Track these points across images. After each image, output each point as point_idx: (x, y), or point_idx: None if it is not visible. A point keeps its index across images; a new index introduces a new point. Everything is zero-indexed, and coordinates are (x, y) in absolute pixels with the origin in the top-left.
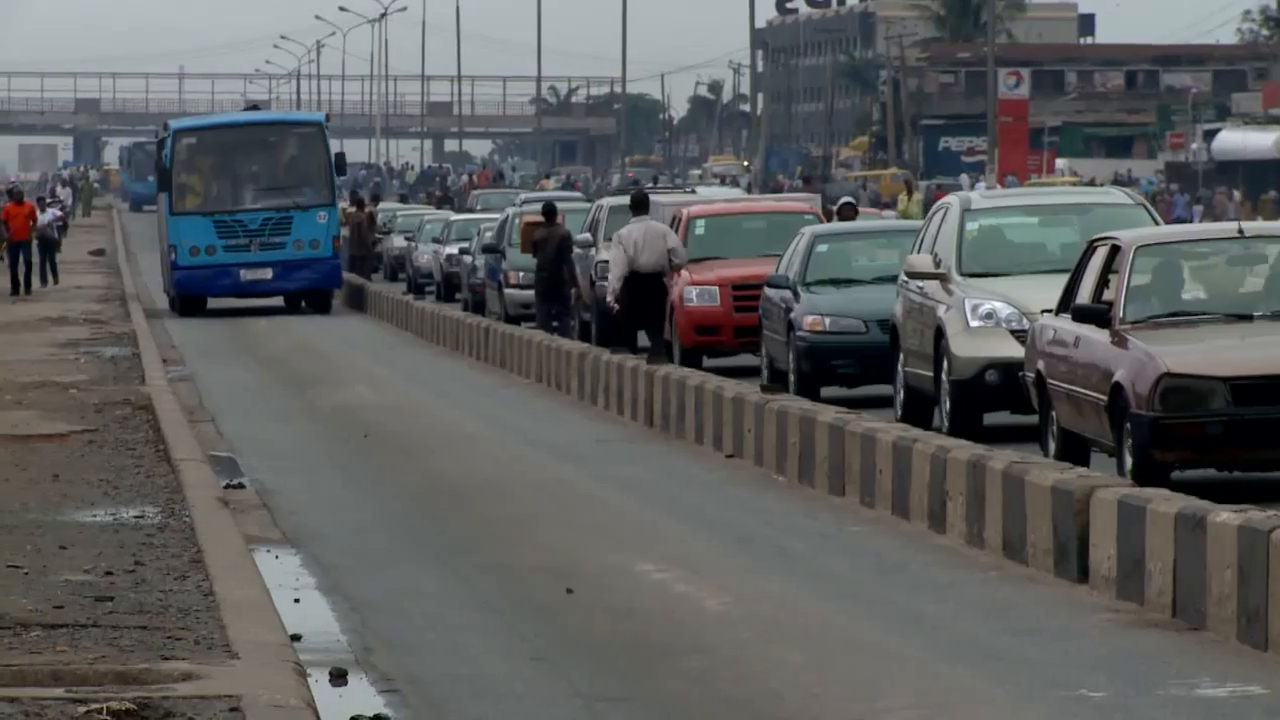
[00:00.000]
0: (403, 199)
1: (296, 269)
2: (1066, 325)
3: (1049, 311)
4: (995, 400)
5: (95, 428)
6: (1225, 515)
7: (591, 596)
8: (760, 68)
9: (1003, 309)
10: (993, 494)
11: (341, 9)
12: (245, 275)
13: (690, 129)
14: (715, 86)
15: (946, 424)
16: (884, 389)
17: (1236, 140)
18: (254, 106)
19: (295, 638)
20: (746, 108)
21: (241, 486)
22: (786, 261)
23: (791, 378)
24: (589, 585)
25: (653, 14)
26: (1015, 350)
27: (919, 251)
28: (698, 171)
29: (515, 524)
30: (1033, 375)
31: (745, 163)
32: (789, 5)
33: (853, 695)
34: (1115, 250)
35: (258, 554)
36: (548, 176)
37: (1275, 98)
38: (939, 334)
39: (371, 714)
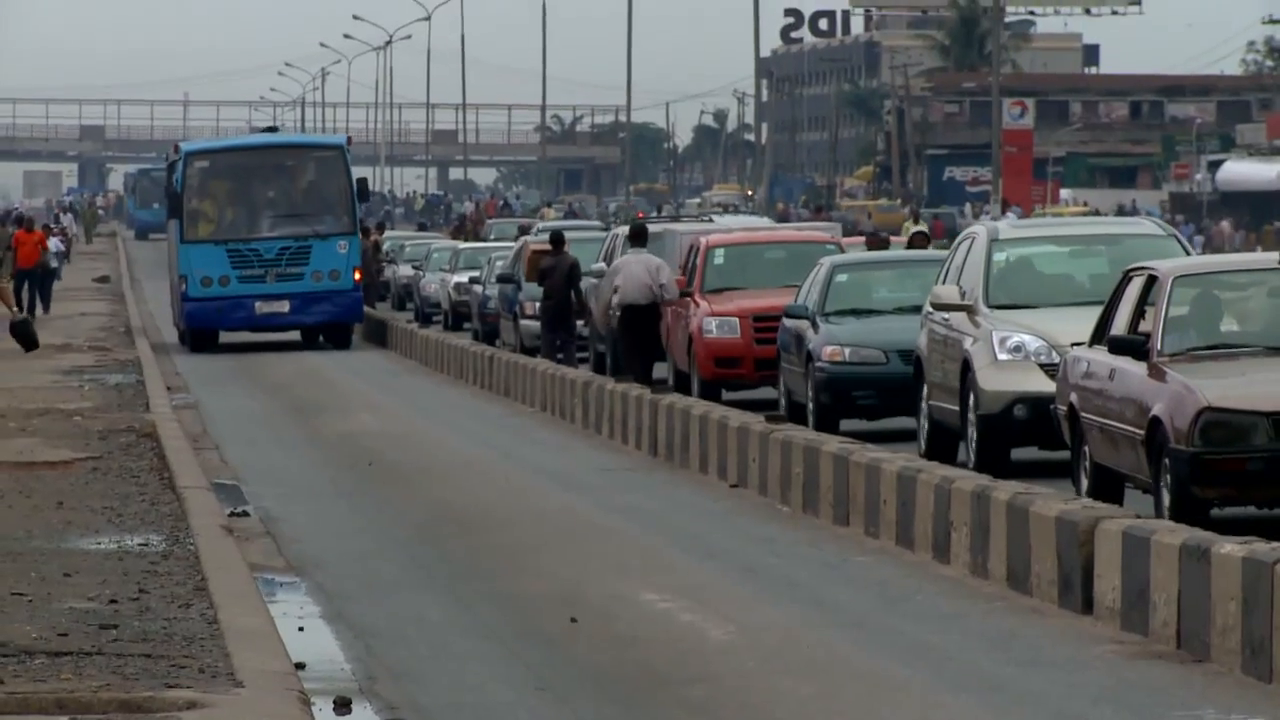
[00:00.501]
0: (421, 227)
1: (315, 301)
2: (1101, 357)
3: (1081, 344)
4: (1023, 435)
5: (99, 455)
6: (1230, 547)
7: (596, 625)
8: (765, 97)
9: (1031, 342)
10: (997, 525)
11: (346, 36)
12: (260, 308)
13: (695, 158)
14: (720, 115)
15: (973, 459)
16: (905, 422)
17: (1241, 171)
18: (271, 129)
19: (300, 666)
20: (751, 137)
21: (246, 514)
22: (805, 291)
23: (810, 409)
24: (593, 614)
25: (657, 43)
26: (1044, 384)
27: (944, 282)
28: (696, 200)
29: (519, 552)
30: (1064, 409)
31: (749, 191)
32: (794, 35)
33: None
34: (1152, 280)
35: (261, 582)
36: (549, 205)
37: (1279, 129)
38: (965, 367)
39: None
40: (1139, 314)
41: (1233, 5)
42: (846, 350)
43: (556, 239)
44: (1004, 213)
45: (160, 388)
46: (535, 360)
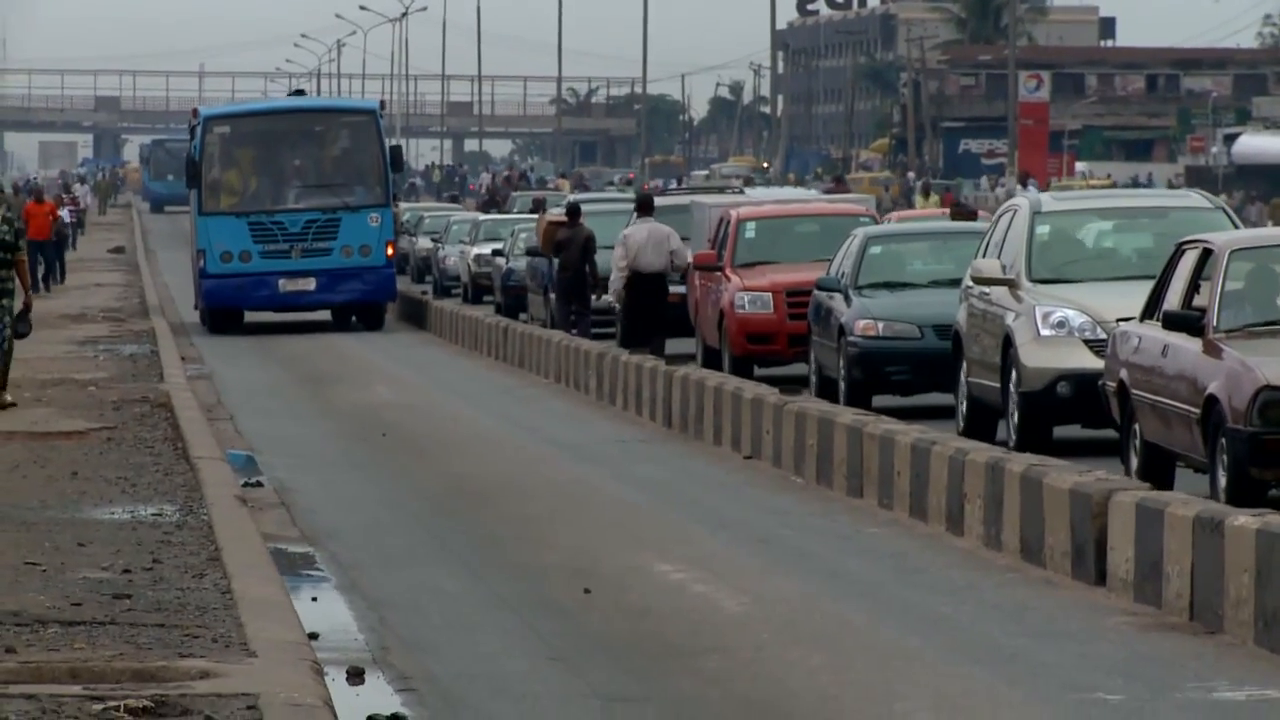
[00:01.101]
0: (454, 199)
1: (344, 279)
2: (1153, 333)
3: (1128, 319)
4: (1066, 413)
5: (114, 425)
6: (1243, 519)
7: (609, 596)
8: (780, 69)
9: (1075, 317)
10: (1010, 496)
11: (362, 8)
12: (285, 286)
13: (710, 130)
14: (735, 88)
15: (1014, 437)
16: (938, 398)
17: (1257, 144)
18: (300, 92)
19: (313, 636)
20: (767, 109)
21: (260, 485)
22: (838, 264)
23: (842, 385)
24: (607, 585)
25: (673, 15)
26: (1088, 361)
27: (984, 255)
28: (704, 172)
29: (533, 523)
30: (1114, 385)
31: (765, 164)
32: (810, 7)
33: (870, 696)
34: (1207, 254)
35: (275, 552)
36: (563, 176)
37: None
38: (1007, 343)
39: (389, 713)
40: (1193, 288)
41: None
42: (880, 324)
43: (573, 210)
44: (1024, 185)
45: (175, 358)
46: (550, 332)
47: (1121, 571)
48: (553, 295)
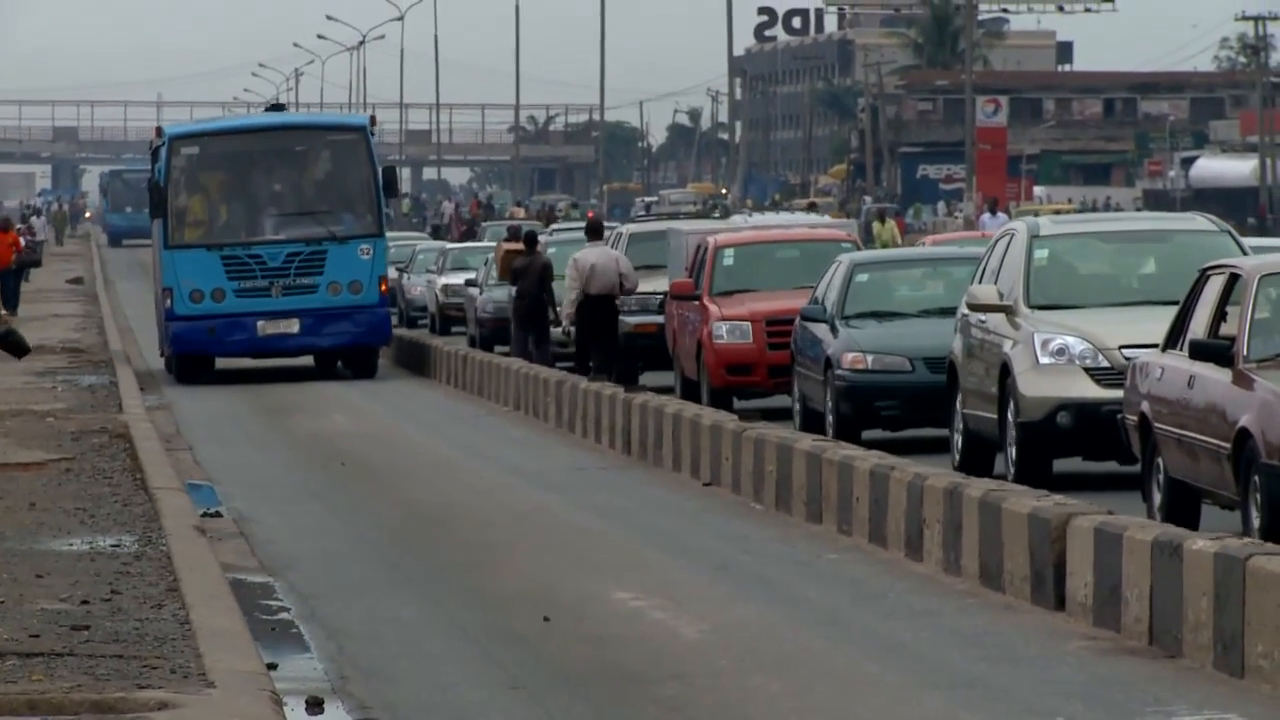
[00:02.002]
0: (435, 231)
1: (332, 320)
2: (1178, 363)
3: (1131, 346)
4: (1067, 445)
5: (72, 456)
6: (1201, 543)
7: (569, 624)
8: (738, 95)
9: (1076, 344)
10: (969, 521)
11: (320, 37)
12: (264, 328)
13: (669, 156)
14: (694, 114)
15: (1012, 471)
16: (930, 431)
17: (1214, 168)
18: (279, 107)
19: (272, 666)
20: (725, 135)
21: (218, 515)
22: (822, 292)
23: (828, 419)
24: (566, 613)
25: (631, 42)
26: (1090, 390)
27: (980, 281)
28: (652, 198)
29: (493, 551)
30: (1135, 419)
31: (724, 189)
32: (767, 33)
33: None
34: (1234, 279)
35: (234, 582)
36: (518, 204)
37: (1252, 125)
38: (1004, 372)
39: None
40: (1220, 316)
41: (1205, 2)
42: (869, 357)
43: (529, 239)
44: (993, 213)
45: (133, 388)
46: (508, 359)
47: (1080, 596)
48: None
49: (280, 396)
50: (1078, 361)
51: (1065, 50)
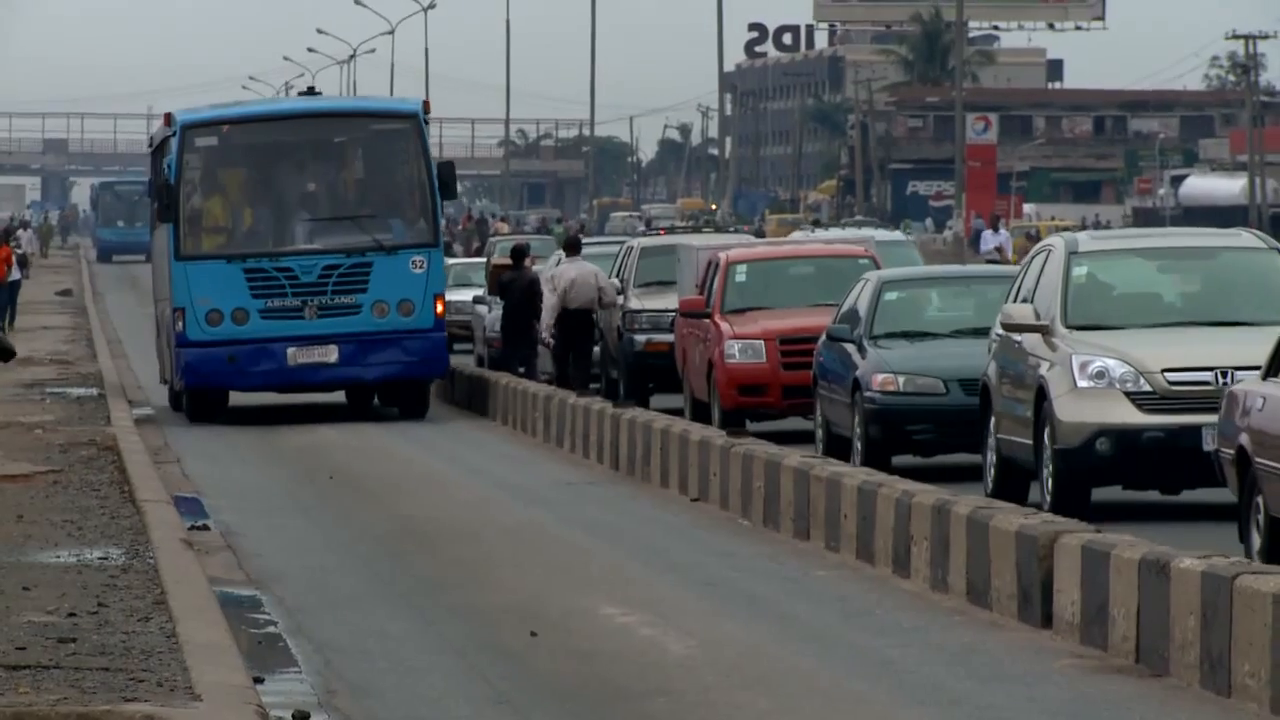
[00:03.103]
0: (480, 251)
1: (378, 347)
2: None
3: (1176, 370)
4: (1106, 473)
5: (60, 468)
6: (1189, 562)
7: (556, 639)
8: (728, 111)
9: (1116, 367)
10: (957, 539)
11: (310, 50)
12: (296, 357)
13: (659, 172)
14: (684, 129)
15: (1048, 499)
16: (962, 459)
17: (1204, 186)
18: (312, 91)
19: (258, 680)
20: (715, 151)
21: (206, 528)
22: (848, 310)
23: (857, 444)
24: (553, 628)
25: (622, 58)
26: (1131, 415)
27: (1016, 300)
28: (622, 213)
29: (480, 566)
30: (1231, 453)
31: (713, 205)
32: (757, 49)
33: None
34: None
35: (221, 596)
36: (503, 219)
37: (1242, 144)
38: (1040, 395)
39: None
40: None
41: (1197, 20)
42: (900, 379)
43: (517, 253)
44: (995, 229)
45: (121, 401)
46: (497, 374)
47: (1068, 614)
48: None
49: (266, 408)
50: (1118, 385)
51: (1055, 68)
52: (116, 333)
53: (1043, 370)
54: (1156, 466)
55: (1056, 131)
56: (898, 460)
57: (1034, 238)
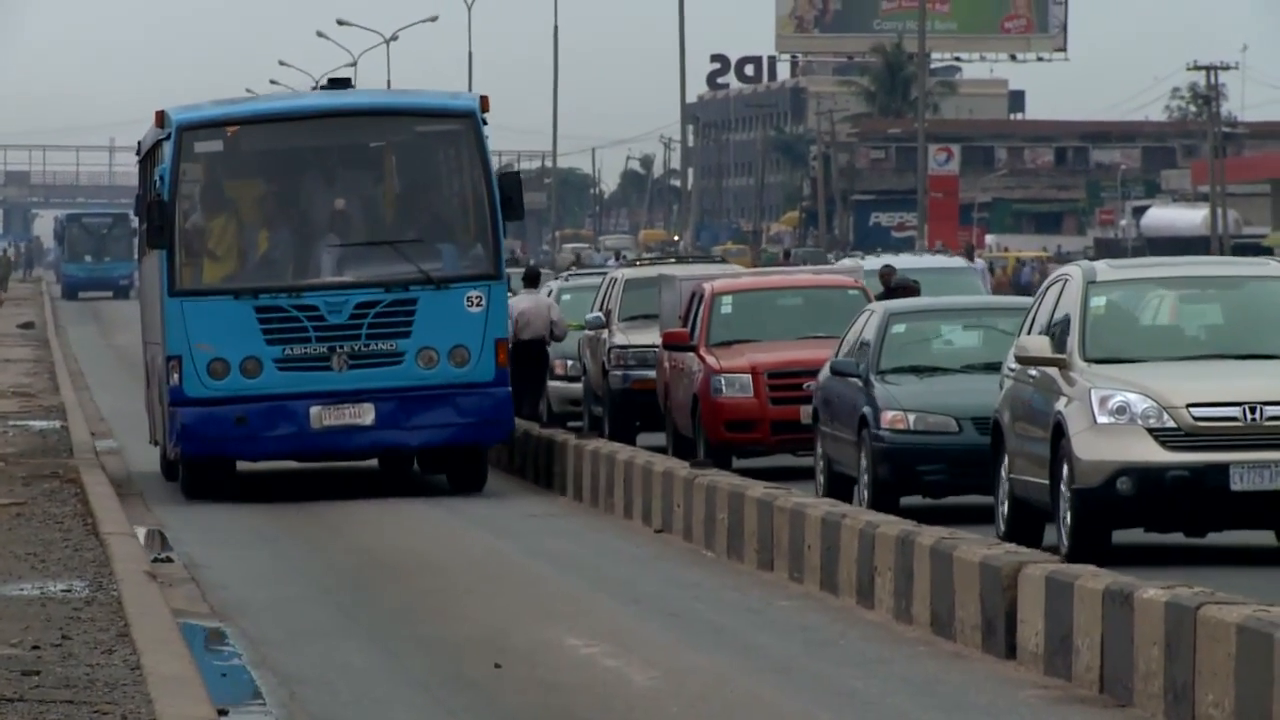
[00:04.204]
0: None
1: (425, 406)
2: None
3: (1201, 405)
4: (1128, 514)
5: (23, 500)
6: (1152, 592)
7: (520, 671)
8: (691, 142)
9: (1138, 402)
10: (921, 569)
11: (273, 82)
12: (322, 418)
13: (621, 203)
14: (646, 161)
15: (1065, 542)
16: (973, 500)
17: (1166, 217)
18: (341, 83)
19: (223, 712)
20: (677, 182)
21: (170, 560)
22: (852, 344)
23: (863, 484)
24: (517, 659)
25: (584, 89)
26: (1153, 453)
27: (1030, 331)
28: (571, 245)
29: (444, 598)
30: None
31: (676, 236)
32: (720, 80)
33: None
34: None
35: (185, 628)
36: None
37: (1204, 175)
38: (1058, 432)
39: None
40: None
41: (1158, 51)
42: (911, 416)
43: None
44: (971, 258)
45: (85, 434)
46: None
47: (1032, 644)
48: (549, 384)
49: None
50: (1140, 421)
51: (1017, 99)
52: (79, 365)
53: (1060, 406)
54: (1181, 508)
55: (1018, 162)
56: (905, 501)
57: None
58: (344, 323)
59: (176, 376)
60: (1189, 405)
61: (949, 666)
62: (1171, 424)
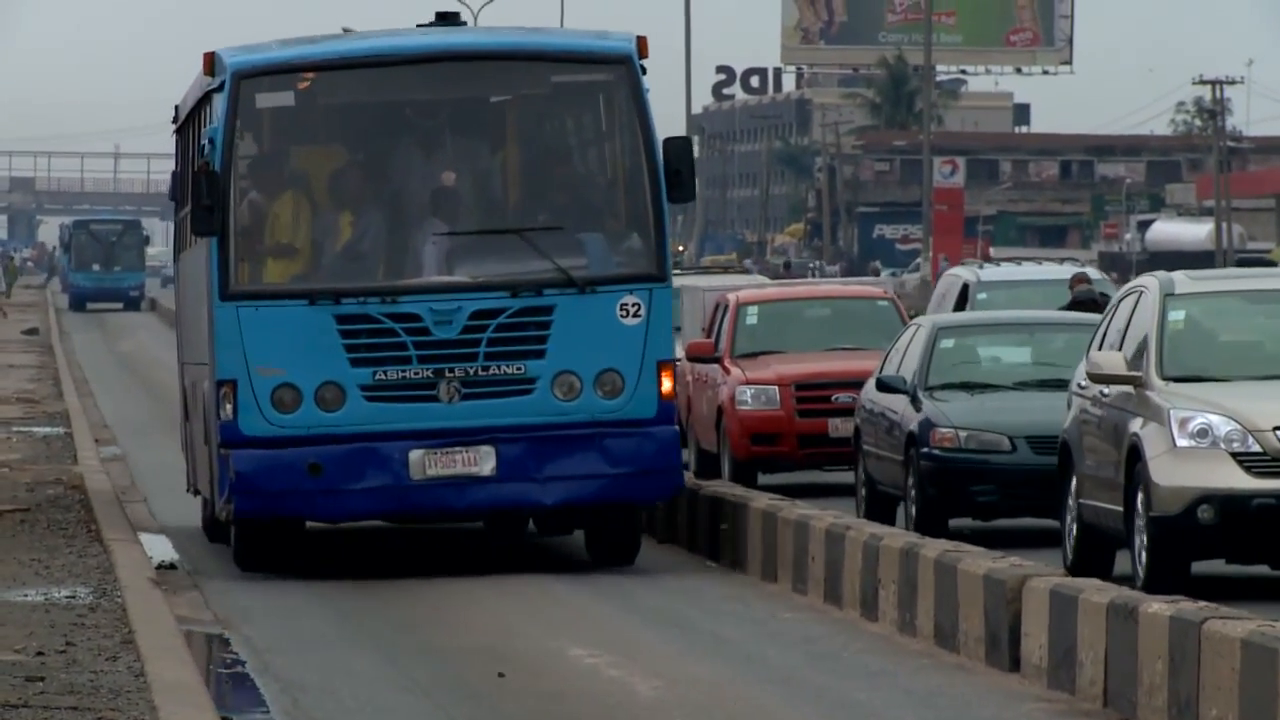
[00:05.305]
0: None
1: (562, 450)
2: None
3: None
4: (1209, 544)
5: (27, 507)
6: (1157, 606)
7: (523, 680)
8: (696, 153)
9: (1221, 424)
10: (925, 582)
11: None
12: (426, 465)
13: None
14: None
15: (1141, 574)
16: (1027, 523)
17: (1170, 231)
18: (449, 16)
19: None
20: None
21: (174, 567)
22: (899, 359)
23: (910, 503)
24: (521, 669)
25: None
26: (1238, 479)
27: (1102, 347)
28: None
29: (447, 606)
30: None
31: (680, 247)
32: (725, 91)
33: None
34: None
35: (189, 635)
36: None
37: (1209, 189)
38: (1133, 456)
39: None
40: None
41: (1164, 66)
42: (962, 434)
43: None
44: (981, 267)
45: (88, 440)
46: None
47: (1035, 658)
48: None
49: None
50: (1223, 445)
51: (1022, 112)
52: (83, 371)
53: (1135, 427)
54: (1267, 538)
55: (1023, 175)
56: (954, 524)
57: None
58: (455, 338)
59: (230, 409)
60: (1276, 428)
61: (952, 679)
62: (1257, 448)
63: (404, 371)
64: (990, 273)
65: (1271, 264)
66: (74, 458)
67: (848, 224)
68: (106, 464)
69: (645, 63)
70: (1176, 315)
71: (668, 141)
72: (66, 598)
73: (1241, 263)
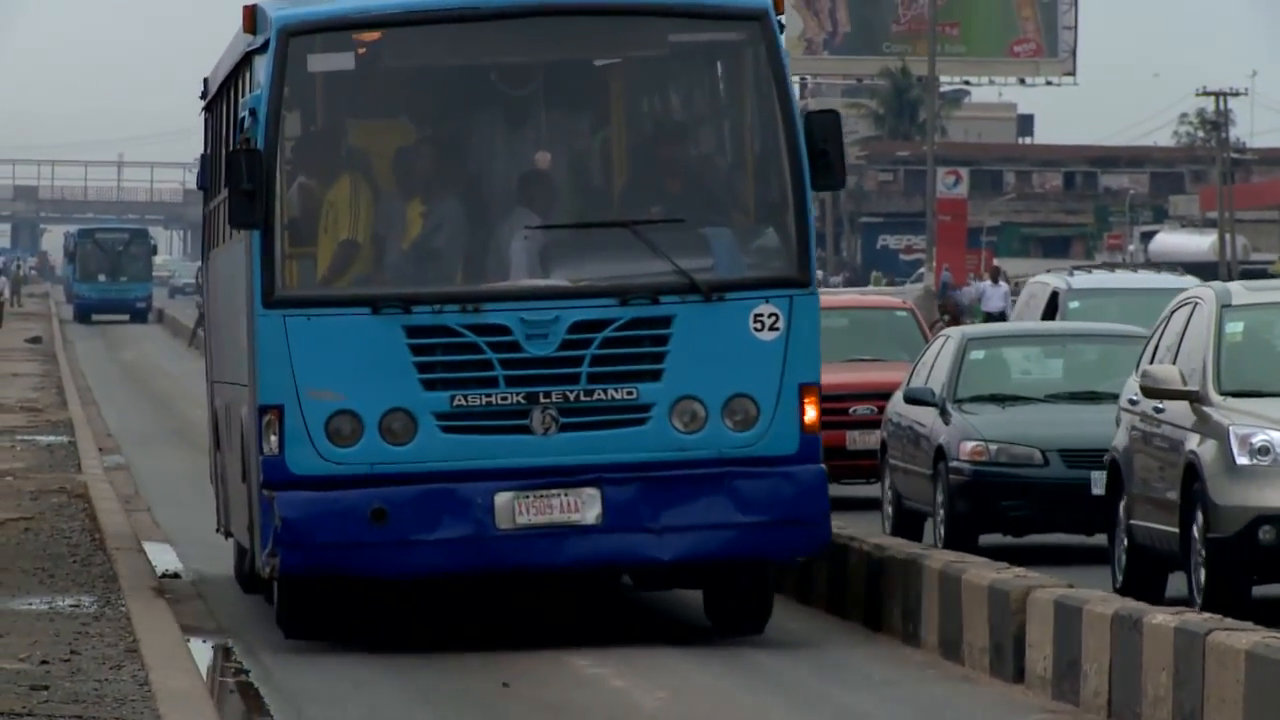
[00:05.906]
0: None
1: (682, 494)
2: None
3: None
4: (1270, 566)
5: (31, 515)
6: (1161, 617)
7: (527, 690)
8: None
9: None
10: (930, 593)
11: None
12: (516, 511)
13: None
14: None
15: (1199, 596)
16: (1059, 539)
17: (1173, 242)
18: None
19: None
20: None
21: (177, 576)
22: (927, 371)
23: (938, 519)
24: (525, 679)
25: None
26: None
27: (1154, 360)
28: None
29: (451, 615)
30: None
31: None
32: None
33: None
34: None
35: (193, 644)
36: None
37: (1212, 200)
38: (1190, 474)
39: None
40: None
41: (1167, 76)
42: (993, 447)
43: None
44: (995, 282)
45: (92, 449)
46: None
47: (1040, 669)
48: None
49: None
50: None
51: (1026, 123)
52: (86, 380)
53: (1192, 445)
54: None
55: (1027, 186)
56: (984, 540)
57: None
58: (552, 355)
59: (275, 441)
60: None
61: (956, 690)
62: None
63: (489, 396)
64: (1082, 280)
65: (1275, 277)
66: (78, 466)
67: (851, 234)
68: (110, 473)
69: (782, 19)
70: (1234, 327)
71: (811, 115)
72: (71, 606)
73: (1244, 275)
